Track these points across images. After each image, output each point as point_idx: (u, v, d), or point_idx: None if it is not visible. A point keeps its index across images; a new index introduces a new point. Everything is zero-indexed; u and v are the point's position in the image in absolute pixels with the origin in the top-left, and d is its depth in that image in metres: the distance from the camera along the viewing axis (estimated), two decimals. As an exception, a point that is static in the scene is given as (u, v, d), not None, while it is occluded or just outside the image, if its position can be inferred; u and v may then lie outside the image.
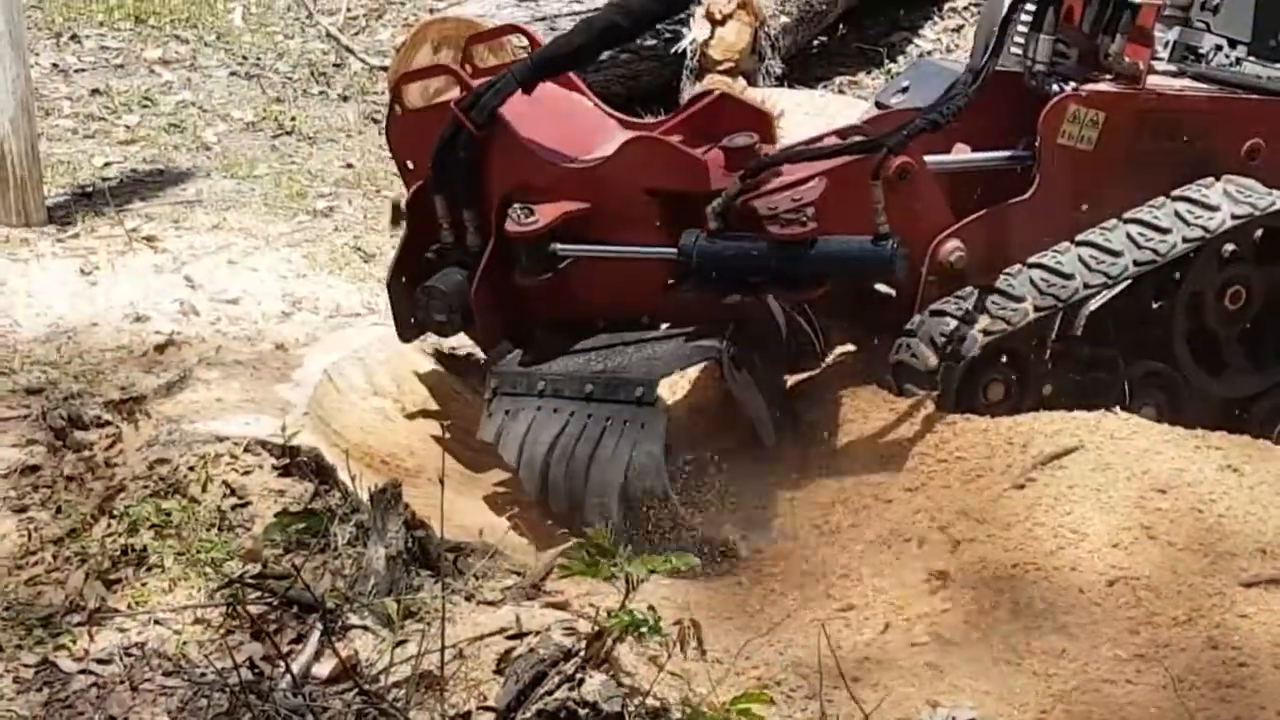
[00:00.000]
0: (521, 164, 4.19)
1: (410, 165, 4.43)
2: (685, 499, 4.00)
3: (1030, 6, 4.64)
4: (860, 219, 4.06)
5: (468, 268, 4.26)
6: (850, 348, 4.57)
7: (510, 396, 4.15)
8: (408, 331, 4.49)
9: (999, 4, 4.29)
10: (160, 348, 5.05)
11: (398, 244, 4.48)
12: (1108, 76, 4.45)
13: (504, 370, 4.21)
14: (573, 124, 4.32)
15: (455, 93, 4.30)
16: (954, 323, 4.26)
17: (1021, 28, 4.67)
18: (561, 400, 4.10)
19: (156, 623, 3.68)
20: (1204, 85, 4.64)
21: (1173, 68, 4.76)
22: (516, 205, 4.15)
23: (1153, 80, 4.51)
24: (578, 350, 4.22)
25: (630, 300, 4.26)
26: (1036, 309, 4.28)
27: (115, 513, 4.00)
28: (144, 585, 3.82)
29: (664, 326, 4.31)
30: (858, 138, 4.31)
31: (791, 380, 4.50)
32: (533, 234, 4.14)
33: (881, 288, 4.43)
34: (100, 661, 3.63)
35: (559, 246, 4.18)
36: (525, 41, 4.69)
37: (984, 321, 4.27)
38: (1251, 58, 4.82)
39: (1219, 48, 4.86)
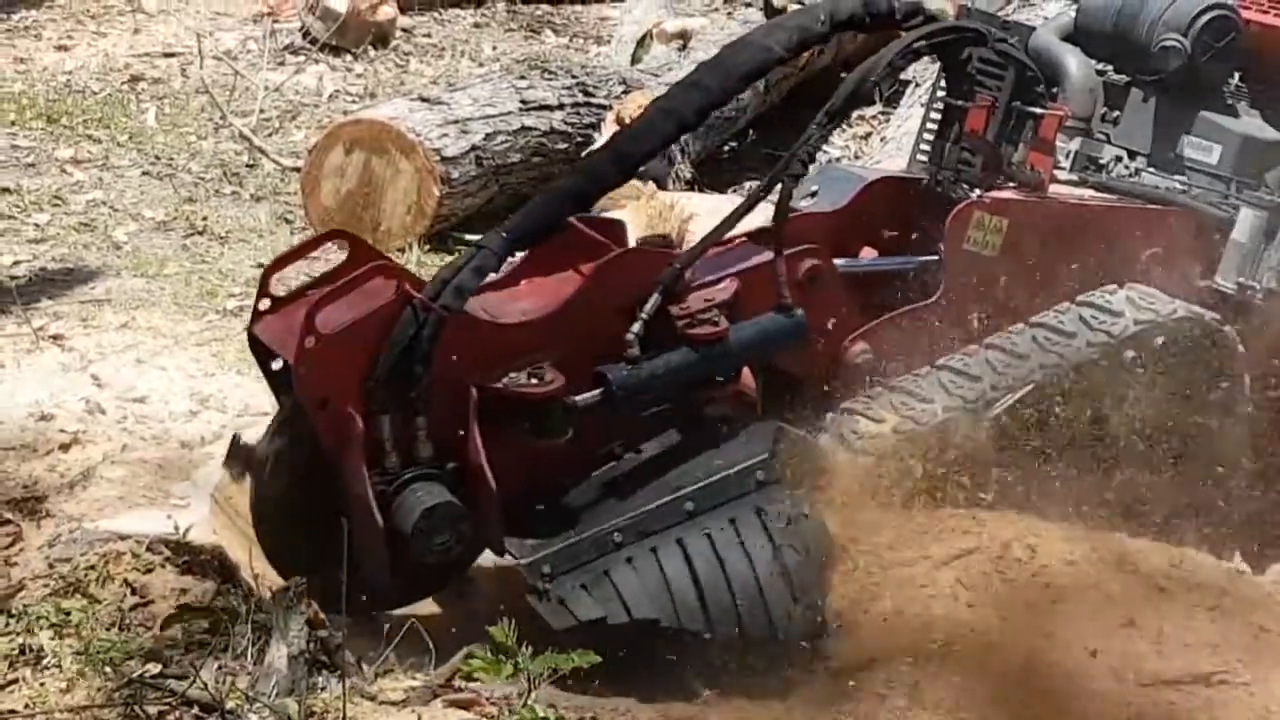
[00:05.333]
0: (493, 334, 3.91)
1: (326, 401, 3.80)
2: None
3: (936, 115, 4.74)
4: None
5: (435, 482, 3.83)
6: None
7: (575, 571, 3.81)
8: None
9: (879, 60, 4.35)
10: (65, 446, 5.01)
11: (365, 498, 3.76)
12: (1011, 184, 4.54)
13: (541, 556, 3.81)
14: None
15: None
16: (863, 421, 4.29)
17: (928, 135, 4.76)
18: (658, 536, 3.85)
19: (53, 723, 3.62)
20: (1104, 195, 4.73)
21: (1074, 177, 4.85)
22: (522, 374, 3.88)
23: (1055, 189, 4.59)
24: (590, 505, 3.93)
25: (615, 432, 4.04)
26: (945, 410, 4.33)
27: (13, 612, 3.93)
28: (42, 685, 3.75)
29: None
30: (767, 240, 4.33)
31: None
32: (559, 391, 3.90)
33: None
34: (-5, 763, 3.57)
35: (578, 399, 3.94)
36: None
37: (893, 421, 4.30)
38: (1150, 169, 4.93)
39: (1119, 158, 4.97)
